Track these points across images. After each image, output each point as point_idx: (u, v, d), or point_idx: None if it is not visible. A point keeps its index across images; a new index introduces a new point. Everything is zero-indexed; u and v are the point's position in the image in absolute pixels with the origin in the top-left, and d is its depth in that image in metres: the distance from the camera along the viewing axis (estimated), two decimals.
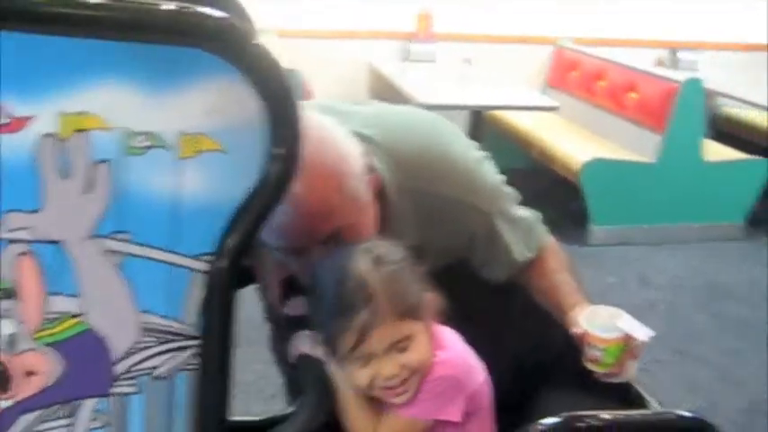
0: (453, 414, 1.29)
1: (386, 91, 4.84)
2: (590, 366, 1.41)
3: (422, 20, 5.21)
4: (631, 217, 4.42)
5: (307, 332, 1.35)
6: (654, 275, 4.04)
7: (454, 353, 1.32)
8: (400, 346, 1.24)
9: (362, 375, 1.25)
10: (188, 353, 1.03)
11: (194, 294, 1.01)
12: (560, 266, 1.59)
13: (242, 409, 2.69)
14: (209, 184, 0.97)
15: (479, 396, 1.35)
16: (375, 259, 1.24)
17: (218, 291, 0.99)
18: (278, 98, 0.95)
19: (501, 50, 5.32)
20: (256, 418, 2.02)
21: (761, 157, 4.57)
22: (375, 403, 1.30)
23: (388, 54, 5.23)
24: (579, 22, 5.48)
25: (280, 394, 2.70)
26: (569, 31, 5.47)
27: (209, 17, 0.94)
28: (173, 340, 1.02)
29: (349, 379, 1.28)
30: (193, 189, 0.97)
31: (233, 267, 0.99)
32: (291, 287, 1.48)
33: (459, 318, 1.38)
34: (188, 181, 0.96)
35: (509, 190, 1.59)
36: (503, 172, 1.62)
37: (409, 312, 1.24)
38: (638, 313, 3.73)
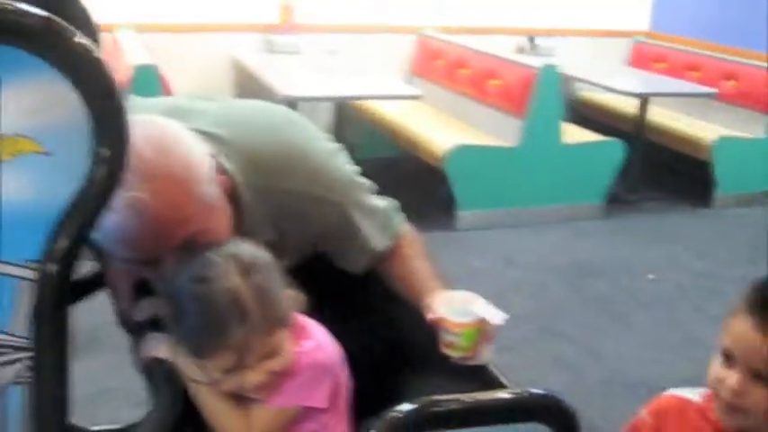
0: (319, 400, 1.31)
1: (250, 84, 4.79)
2: (446, 351, 1.43)
3: (284, 11, 5.17)
4: (496, 201, 4.52)
5: (157, 335, 1.32)
6: (519, 257, 4.16)
7: (318, 341, 1.34)
8: (267, 357, 1.24)
9: (230, 383, 1.25)
10: (19, 365, 0.98)
11: (23, 304, 0.96)
12: (417, 253, 1.61)
13: (110, 416, 2.64)
14: (32, 188, 0.93)
15: (340, 383, 1.37)
16: (244, 269, 1.22)
17: (47, 298, 0.95)
18: (101, 98, 0.92)
19: (365, 41, 5.35)
20: (117, 426, 1.96)
21: (616, 139, 4.75)
22: (239, 397, 1.30)
23: (251, 46, 5.17)
24: (442, 11, 5.56)
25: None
26: (432, 20, 5.55)
27: (24, 14, 0.90)
28: (1, 354, 0.97)
29: (214, 386, 1.27)
30: (15, 193, 0.92)
31: (63, 273, 0.95)
32: (142, 290, 1.44)
33: (317, 309, 1.38)
34: (8, 185, 0.92)
35: (363, 181, 1.60)
36: (371, 161, 1.63)
37: (280, 323, 1.24)
38: (506, 294, 3.86)
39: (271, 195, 1.44)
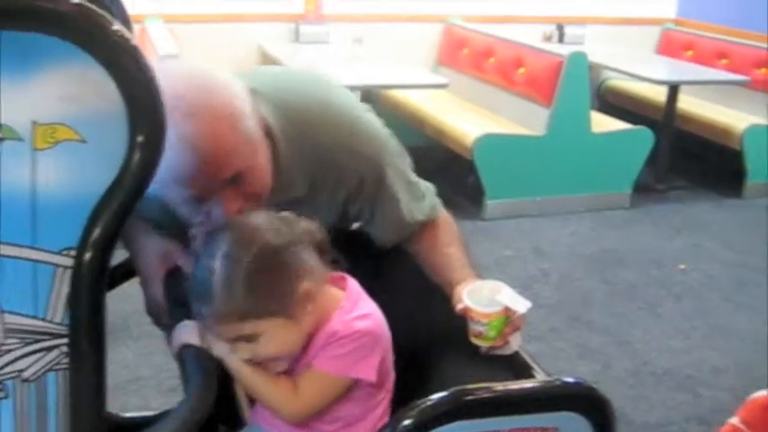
0: (366, 372, 1.30)
1: None
2: (475, 341, 1.42)
3: (310, 1, 5.16)
4: (524, 190, 4.50)
5: (187, 322, 1.32)
6: (547, 246, 4.14)
7: (369, 312, 1.34)
8: (248, 338, 1.25)
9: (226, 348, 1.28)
10: (56, 352, 0.99)
11: (60, 291, 0.97)
12: (451, 240, 1.60)
13: (140, 404, 2.66)
14: (69, 175, 0.93)
15: (388, 369, 1.37)
16: (228, 256, 1.22)
17: (84, 285, 0.96)
18: (137, 86, 0.92)
19: (392, 29, 5.33)
20: (151, 413, 1.98)
21: (645, 127, 4.71)
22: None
23: (279, 36, 5.17)
24: (468, 0, 5.53)
25: (179, 387, 2.66)
26: (458, 8, 5.52)
27: (60, 2, 0.90)
28: (39, 340, 0.98)
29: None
30: (52, 181, 0.93)
31: (99, 260, 0.96)
32: (175, 279, 1.46)
33: None
34: (46, 173, 0.92)
35: (400, 147, 1.60)
36: None
37: (252, 314, 1.23)
38: (534, 283, 3.84)
39: (306, 147, 1.45)
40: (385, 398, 1.39)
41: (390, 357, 1.39)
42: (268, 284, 1.23)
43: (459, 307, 1.43)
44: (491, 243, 4.07)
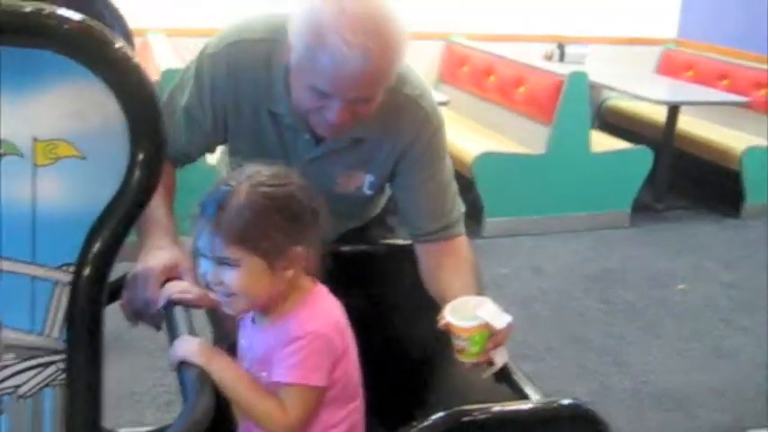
0: (317, 379, 1.30)
1: None
2: (459, 357, 1.41)
3: None
4: (523, 208, 4.50)
5: (188, 337, 1.32)
6: (546, 265, 4.13)
7: (331, 312, 1.35)
8: (224, 263, 1.26)
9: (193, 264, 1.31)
10: (53, 368, 0.99)
11: (58, 306, 0.97)
12: (462, 265, 1.65)
13: (135, 419, 2.65)
14: (69, 192, 0.94)
15: (346, 365, 1.36)
16: (255, 183, 1.27)
17: (82, 301, 0.96)
18: (139, 103, 0.93)
19: None
20: (146, 429, 1.97)
21: (645, 147, 4.71)
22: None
23: None
24: (470, 18, 5.55)
25: (174, 402, 2.65)
26: (460, 26, 5.54)
27: (62, 19, 0.91)
28: (36, 356, 0.98)
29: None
30: (52, 197, 0.93)
31: (98, 276, 0.96)
32: None
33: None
34: (46, 189, 0.93)
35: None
36: None
37: (244, 241, 1.25)
38: (532, 302, 3.81)
39: (388, 95, 1.53)
40: (348, 417, 1.38)
41: (354, 369, 1.38)
42: (274, 228, 1.27)
43: (441, 323, 1.42)
44: (489, 261, 4.06)
